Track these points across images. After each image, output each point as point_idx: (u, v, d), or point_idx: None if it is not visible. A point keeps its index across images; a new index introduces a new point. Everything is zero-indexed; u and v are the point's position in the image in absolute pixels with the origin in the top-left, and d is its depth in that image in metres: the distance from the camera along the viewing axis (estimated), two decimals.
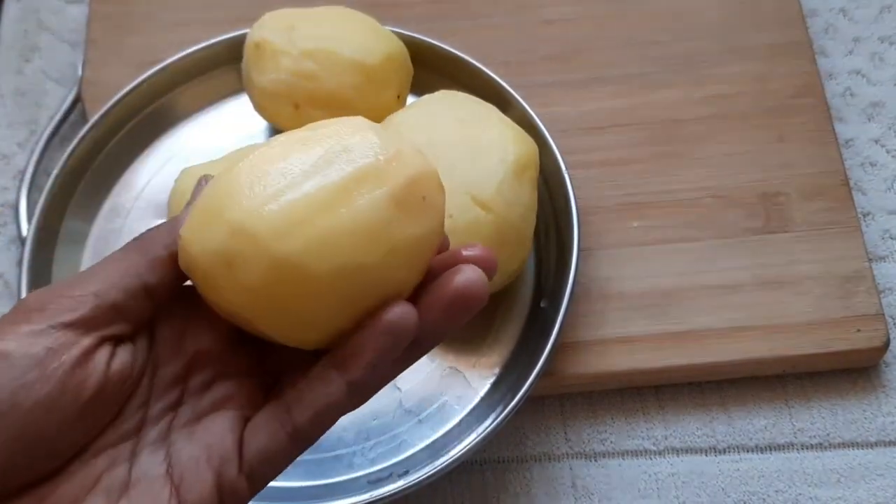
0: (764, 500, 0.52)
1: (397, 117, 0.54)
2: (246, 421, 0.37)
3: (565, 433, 0.55)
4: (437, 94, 0.55)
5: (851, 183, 0.60)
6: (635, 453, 0.54)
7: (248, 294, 0.34)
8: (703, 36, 0.63)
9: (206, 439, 0.36)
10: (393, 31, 0.59)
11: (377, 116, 0.55)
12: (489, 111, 0.54)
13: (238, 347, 0.39)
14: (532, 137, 0.54)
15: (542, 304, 0.55)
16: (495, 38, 0.64)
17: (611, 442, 0.54)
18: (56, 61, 0.68)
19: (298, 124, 0.56)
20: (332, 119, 0.37)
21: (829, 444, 0.54)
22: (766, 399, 0.55)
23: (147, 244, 0.37)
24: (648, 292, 0.55)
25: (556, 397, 0.55)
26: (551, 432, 0.55)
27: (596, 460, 0.54)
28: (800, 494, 0.52)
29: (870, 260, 0.56)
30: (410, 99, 0.58)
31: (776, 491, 0.53)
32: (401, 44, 0.58)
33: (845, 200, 0.58)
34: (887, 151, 0.62)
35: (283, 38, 0.56)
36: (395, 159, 0.35)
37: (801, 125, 0.60)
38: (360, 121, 0.37)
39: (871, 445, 0.54)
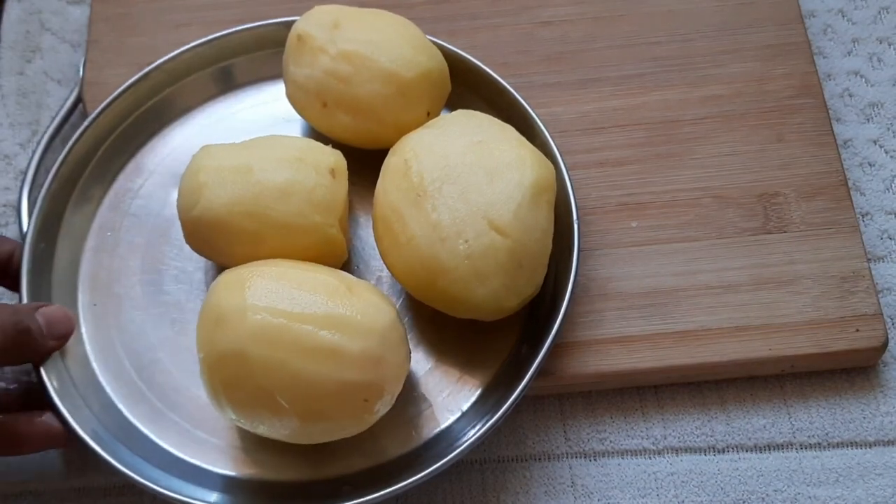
0: (763, 499, 0.53)
1: (413, 137, 0.53)
2: None
3: (565, 432, 0.55)
4: (454, 113, 0.55)
5: (850, 183, 0.60)
6: (634, 452, 0.54)
7: None
8: (701, 36, 0.63)
9: None
10: (436, 43, 0.58)
11: (402, 130, 0.54)
12: (507, 132, 0.53)
13: None
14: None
15: (541, 305, 0.55)
16: (495, 39, 0.64)
17: (610, 441, 0.54)
18: (58, 62, 0.68)
19: (325, 123, 0.57)
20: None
21: (828, 444, 0.54)
22: (764, 398, 0.55)
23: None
24: (647, 292, 0.56)
25: (556, 397, 0.56)
26: (551, 432, 0.55)
27: (595, 459, 0.54)
28: (798, 493, 0.53)
29: (868, 260, 0.56)
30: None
31: (775, 490, 0.53)
32: (442, 60, 0.57)
33: (844, 200, 0.58)
34: (886, 152, 0.62)
35: (325, 35, 0.55)
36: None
37: (800, 126, 0.60)
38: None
39: (870, 445, 0.54)
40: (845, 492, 0.53)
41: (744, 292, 0.55)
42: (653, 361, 0.54)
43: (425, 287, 0.51)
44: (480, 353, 0.54)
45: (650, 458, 0.54)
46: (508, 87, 0.58)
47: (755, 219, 0.58)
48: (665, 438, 0.54)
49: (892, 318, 0.57)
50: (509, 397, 0.50)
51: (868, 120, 0.63)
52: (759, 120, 0.61)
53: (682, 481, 0.53)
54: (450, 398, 0.53)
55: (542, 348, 0.51)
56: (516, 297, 0.51)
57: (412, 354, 0.52)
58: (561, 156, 0.56)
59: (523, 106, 0.57)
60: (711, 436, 0.54)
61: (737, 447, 0.54)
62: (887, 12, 0.67)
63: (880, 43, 0.66)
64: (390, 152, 0.54)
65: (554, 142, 0.56)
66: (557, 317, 0.52)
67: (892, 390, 0.55)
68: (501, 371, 0.54)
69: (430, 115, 0.56)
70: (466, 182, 0.50)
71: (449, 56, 0.58)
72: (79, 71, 0.65)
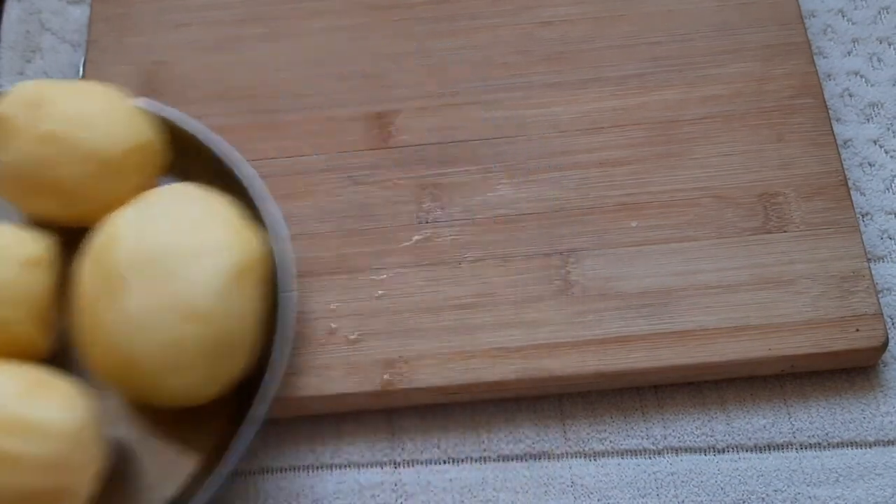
0: (763, 499, 0.53)
1: (115, 218, 0.50)
2: None
3: (564, 432, 0.55)
4: (165, 188, 0.52)
5: (850, 183, 0.60)
6: (634, 452, 0.54)
7: None
8: (701, 36, 0.63)
9: None
10: (154, 113, 0.56)
11: (113, 207, 0.51)
12: (216, 209, 0.51)
13: None
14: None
15: (252, 385, 0.52)
16: (495, 38, 0.64)
17: (610, 441, 0.54)
18: (58, 62, 0.68)
19: (30, 206, 0.54)
20: None
21: (828, 444, 0.54)
22: (764, 398, 0.55)
23: None
24: (646, 292, 0.56)
25: (556, 397, 0.55)
26: (550, 431, 0.55)
27: (595, 459, 0.54)
28: (798, 493, 0.53)
29: (868, 260, 0.56)
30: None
31: (775, 490, 0.53)
32: (152, 131, 0.55)
33: (844, 200, 0.58)
34: (886, 152, 0.62)
35: (26, 116, 0.52)
36: None
37: (800, 125, 0.60)
38: None
39: (870, 445, 0.54)
40: (845, 492, 0.53)
41: (743, 292, 0.55)
42: (652, 361, 0.54)
43: (120, 379, 0.49)
44: (194, 433, 0.52)
45: (650, 458, 0.54)
46: (223, 152, 0.56)
47: (755, 219, 0.58)
48: (665, 438, 0.54)
49: (892, 318, 0.57)
50: (219, 479, 0.49)
51: (868, 120, 0.63)
52: (759, 120, 0.61)
53: (682, 481, 0.53)
54: (161, 479, 0.51)
55: (244, 431, 0.49)
56: (215, 384, 0.49)
57: (125, 436, 0.51)
58: (284, 223, 0.54)
59: (239, 173, 0.55)
60: (711, 436, 0.54)
61: (737, 447, 0.54)
62: (887, 12, 0.67)
63: (880, 43, 0.66)
64: (93, 234, 0.50)
65: (279, 206, 0.55)
66: (262, 401, 0.50)
67: (892, 390, 0.55)
68: (214, 450, 0.51)
69: (144, 188, 0.53)
70: (165, 267, 0.47)
71: (166, 124, 0.56)
72: (79, 71, 0.65)
